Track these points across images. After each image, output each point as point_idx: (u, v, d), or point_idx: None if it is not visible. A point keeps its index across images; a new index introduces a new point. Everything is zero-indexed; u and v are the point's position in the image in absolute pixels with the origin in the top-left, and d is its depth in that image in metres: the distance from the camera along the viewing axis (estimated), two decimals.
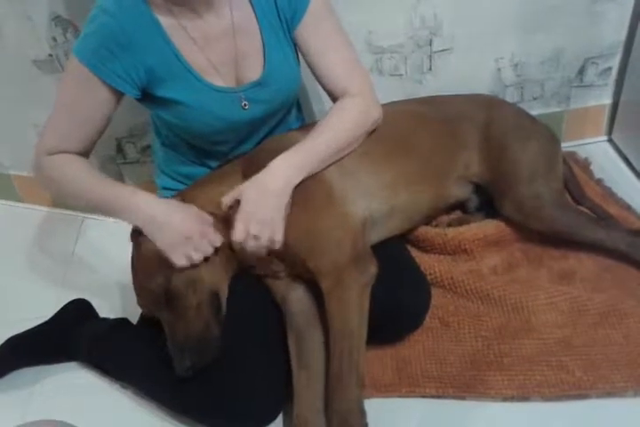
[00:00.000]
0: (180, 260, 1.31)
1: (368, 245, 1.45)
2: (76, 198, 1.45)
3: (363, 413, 1.28)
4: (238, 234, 1.33)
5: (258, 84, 1.46)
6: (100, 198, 1.39)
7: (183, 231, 1.31)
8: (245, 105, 1.47)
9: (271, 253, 1.40)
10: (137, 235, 1.37)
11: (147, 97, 1.43)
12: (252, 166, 1.42)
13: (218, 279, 1.38)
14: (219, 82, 1.44)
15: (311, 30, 1.45)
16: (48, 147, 1.42)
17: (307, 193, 1.40)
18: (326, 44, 1.46)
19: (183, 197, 1.42)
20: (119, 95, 1.40)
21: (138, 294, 1.39)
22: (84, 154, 1.46)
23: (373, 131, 1.54)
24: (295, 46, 1.50)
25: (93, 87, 1.37)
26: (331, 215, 1.41)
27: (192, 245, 1.31)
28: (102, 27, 1.32)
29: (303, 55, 1.50)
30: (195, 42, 1.40)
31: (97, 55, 1.33)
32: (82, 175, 1.41)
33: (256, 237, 1.33)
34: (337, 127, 1.45)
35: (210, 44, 1.42)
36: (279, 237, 1.35)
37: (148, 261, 1.35)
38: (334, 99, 1.51)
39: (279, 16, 1.42)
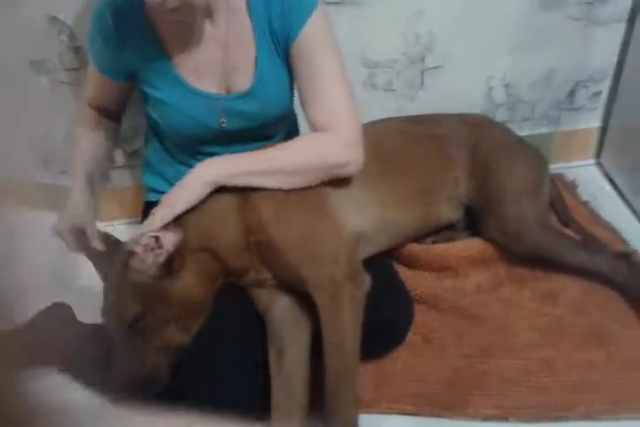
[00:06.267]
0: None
1: (360, 260, 1.44)
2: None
3: None
4: None
5: (244, 95, 1.44)
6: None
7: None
8: (223, 122, 1.46)
9: (262, 260, 1.39)
10: (129, 254, 1.31)
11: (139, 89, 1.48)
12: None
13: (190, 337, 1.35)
14: (199, 86, 1.44)
15: (302, 56, 1.38)
16: (88, 98, 1.60)
17: (303, 204, 1.39)
18: (316, 75, 1.38)
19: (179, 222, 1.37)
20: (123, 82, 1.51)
21: (103, 308, 1.35)
22: (116, 111, 1.63)
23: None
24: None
25: (98, 71, 1.49)
26: (326, 229, 1.40)
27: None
28: (97, 13, 1.39)
29: (295, 80, 1.45)
30: (183, 42, 1.40)
31: (94, 44, 1.44)
32: (76, 150, 1.55)
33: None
34: (290, 151, 1.40)
35: (198, 48, 1.41)
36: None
37: (133, 285, 1.30)
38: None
39: (272, 36, 1.39)
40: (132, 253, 1.29)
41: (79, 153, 1.55)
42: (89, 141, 1.56)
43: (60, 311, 1.72)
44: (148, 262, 1.28)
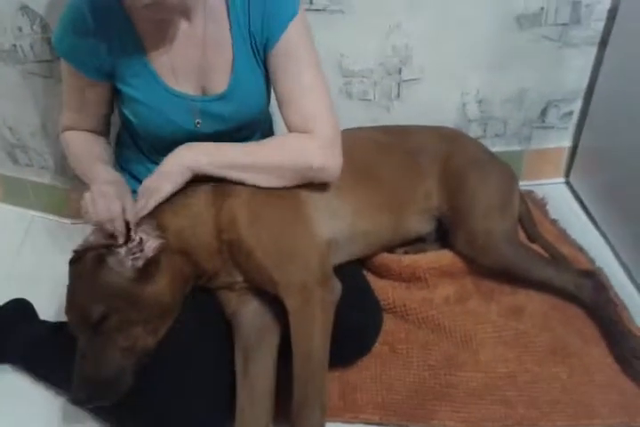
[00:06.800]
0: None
1: (331, 266, 1.43)
2: (77, 173, 1.53)
3: None
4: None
5: (219, 98, 1.43)
6: (85, 179, 1.46)
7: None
8: (198, 123, 1.45)
9: (234, 262, 1.37)
10: (107, 251, 1.28)
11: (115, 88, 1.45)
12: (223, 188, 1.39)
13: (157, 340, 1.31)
14: (176, 86, 1.42)
15: (281, 61, 1.38)
16: (64, 125, 1.55)
17: (279, 207, 1.39)
18: (296, 80, 1.39)
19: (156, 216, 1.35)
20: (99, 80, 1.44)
21: (69, 304, 1.30)
22: (99, 131, 1.56)
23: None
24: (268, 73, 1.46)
25: (74, 74, 1.43)
26: (300, 233, 1.40)
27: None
28: (72, 9, 1.35)
29: (272, 85, 1.45)
30: (161, 41, 1.38)
31: (65, 41, 1.38)
32: (78, 153, 1.51)
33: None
34: (269, 147, 1.40)
35: (175, 48, 1.39)
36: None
37: (104, 284, 1.26)
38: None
39: (251, 40, 1.39)
40: (110, 252, 1.27)
41: (83, 157, 1.50)
42: (84, 147, 1.52)
43: (21, 308, 1.68)
44: (127, 265, 1.26)
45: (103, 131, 1.58)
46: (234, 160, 1.37)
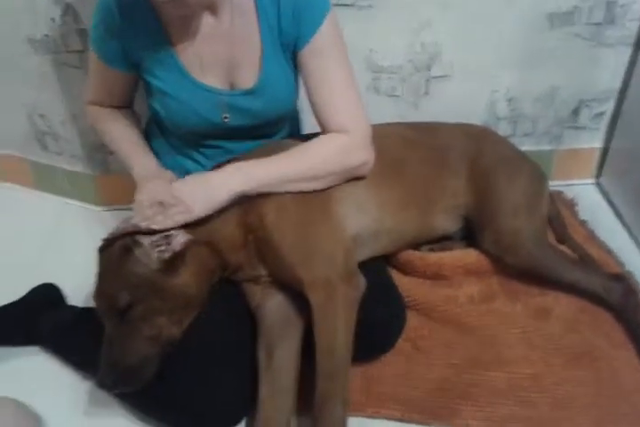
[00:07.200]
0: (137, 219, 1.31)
1: (356, 262, 1.43)
2: (110, 149, 1.66)
3: None
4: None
5: (248, 93, 1.43)
6: (122, 161, 1.55)
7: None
8: (226, 118, 1.45)
9: (259, 257, 1.38)
10: (133, 242, 1.29)
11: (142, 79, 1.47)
12: None
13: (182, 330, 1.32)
14: (204, 80, 1.43)
15: (313, 61, 1.39)
16: (89, 99, 1.60)
17: (305, 203, 1.39)
18: (328, 79, 1.40)
19: None
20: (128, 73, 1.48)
21: (96, 291, 1.31)
22: (124, 105, 1.62)
23: None
24: (296, 69, 1.47)
25: (102, 65, 1.47)
26: (325, 229, 1.39)
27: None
28: (101, 6, 1.38)
29: (304, 83, 1.45)
30: (187, 36, 1.39)
31: (97, 34, 1.42)
32: (113, 135, 1.58)
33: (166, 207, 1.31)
34: (312, 156, 1.41)
35: (202, 42, 1.40)
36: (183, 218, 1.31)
37: (130, 274, 1.27)
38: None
39: (281, 36, 1.39)
40: (136, 242, 1.27)
41: (116, 140, 1.57)
42: (118, 129, 1.57)
43: (49, 292, 1.70)
44: (153, 257, 1.27)
45: (128, 104, 1.63)
46: (282, 177, 1.37)
